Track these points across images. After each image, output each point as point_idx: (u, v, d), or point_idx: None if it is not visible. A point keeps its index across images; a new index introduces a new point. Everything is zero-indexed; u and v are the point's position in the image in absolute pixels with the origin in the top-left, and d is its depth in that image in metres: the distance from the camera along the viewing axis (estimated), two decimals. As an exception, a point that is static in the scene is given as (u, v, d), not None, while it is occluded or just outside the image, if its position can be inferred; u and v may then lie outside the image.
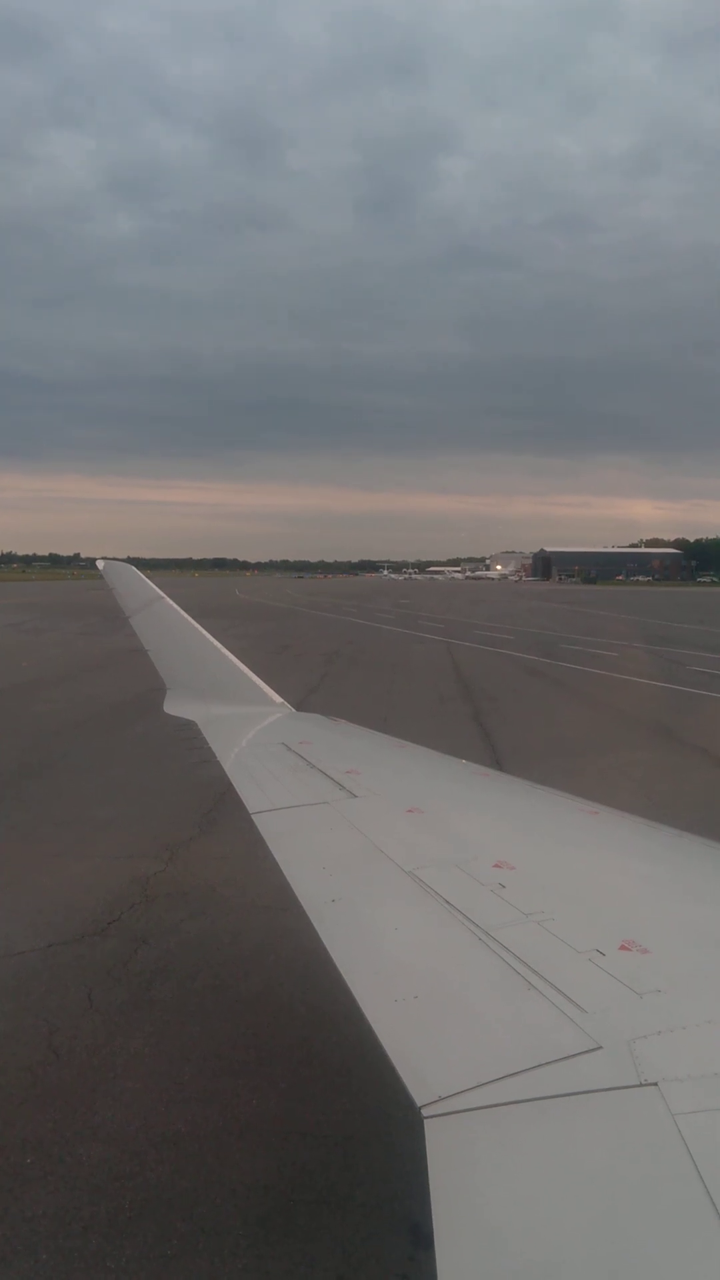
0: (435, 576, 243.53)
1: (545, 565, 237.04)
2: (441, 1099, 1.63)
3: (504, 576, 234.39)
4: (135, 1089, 4.74)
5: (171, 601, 7.05)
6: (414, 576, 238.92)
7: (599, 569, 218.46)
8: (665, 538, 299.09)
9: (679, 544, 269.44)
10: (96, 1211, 3.83)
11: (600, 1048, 1.73)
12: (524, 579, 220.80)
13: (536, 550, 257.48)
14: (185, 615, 6.85)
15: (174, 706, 6.09)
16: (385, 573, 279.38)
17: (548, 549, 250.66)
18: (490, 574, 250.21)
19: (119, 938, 6.67)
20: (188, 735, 5.51)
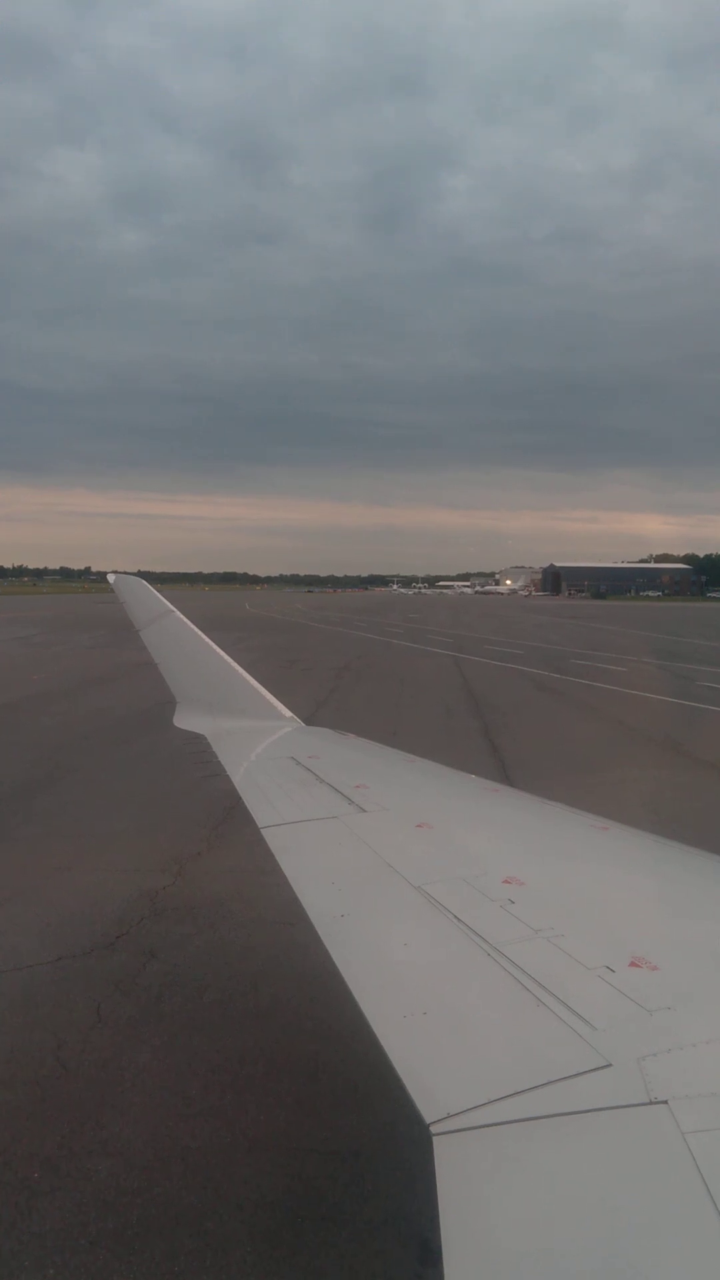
0: (445, 591, 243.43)
1: (555, 580, 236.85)
2: (450, 1116, 1.63)
3: (513, 591, 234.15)
4: (143, 1103, 4.73)
5: (181, 615, 7.07)
6: (424, 591, 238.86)
7: (608, 584, 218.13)
8: (674, 553, 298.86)
9: (688, 559, 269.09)
10: (104, 1226, 3.82)
11: (610, 1065, 1.72)
12: (533, 594, 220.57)
13: (546, 565, 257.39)
14: (195, 629, 6.87)
15: (183, 720, 6.10)
16: (395, 587, 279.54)
17: (557, 564, 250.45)
18: (500, 589, 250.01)
19: (128, 951, 6.67)
20: (197, 749, 5.52)
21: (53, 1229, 3.81)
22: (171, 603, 7.32)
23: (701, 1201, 1.36)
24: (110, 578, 8.24)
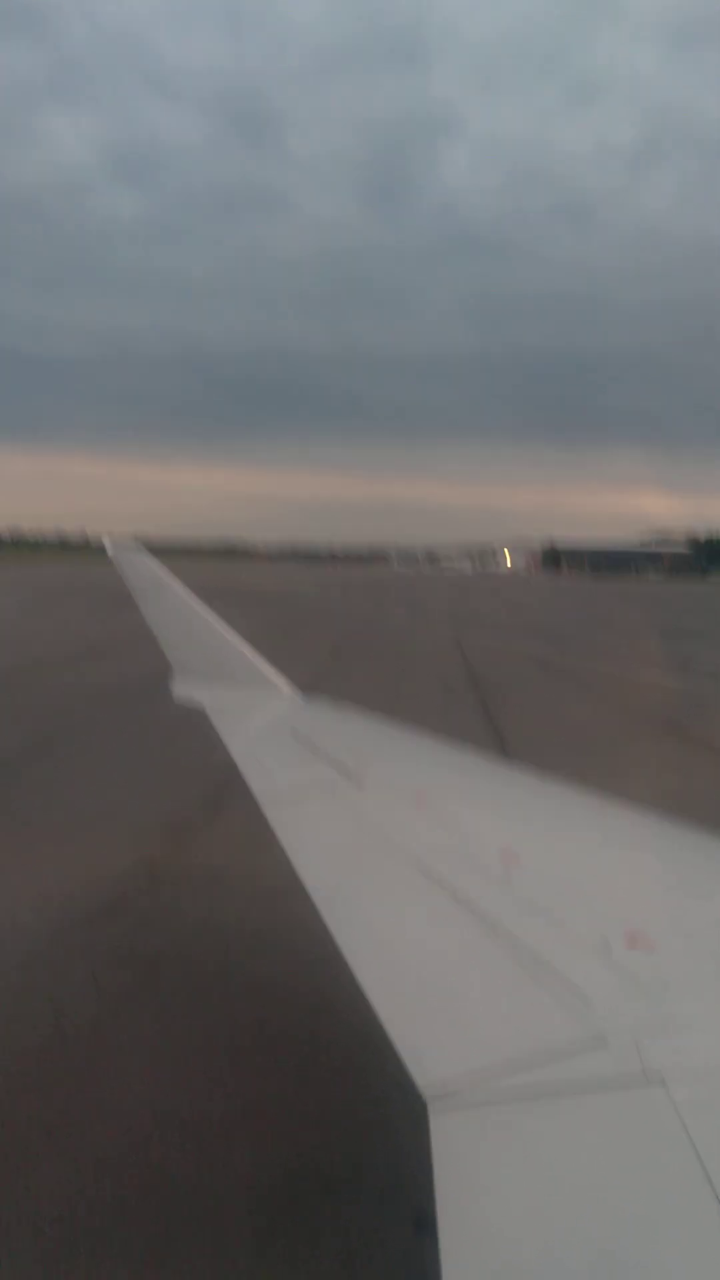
0: (444, 568, 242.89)
1: (554, 558, 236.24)
2: (447, 1089, 1.63)
3: (513, 569, 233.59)
4: (140, 1071, 4.77)
5: (180, 584, 7.03)
6: (423, 567, 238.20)
7: (609, 563, 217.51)
8: (675, 532, 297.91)
9: (689, 539, 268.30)
10: (101, 1191, 3.86)
11: (606, 1042, 1.73)
12: (533, 572, 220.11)
13: (546, 543, 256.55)
14: (193, 599, 6.83)
15: (182, 691, 6.08)
16: (394, 560, 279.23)
17: (557, 542, 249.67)
18: (499, 566, 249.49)
19: (125, 921, 6.69)
20: (194, 720, 5.52)
21: (50, 1193, 3.85)
22: (170, 573, 7.28)
23: (697, 1178, 1.36)
24: (108, 546, 8.19)
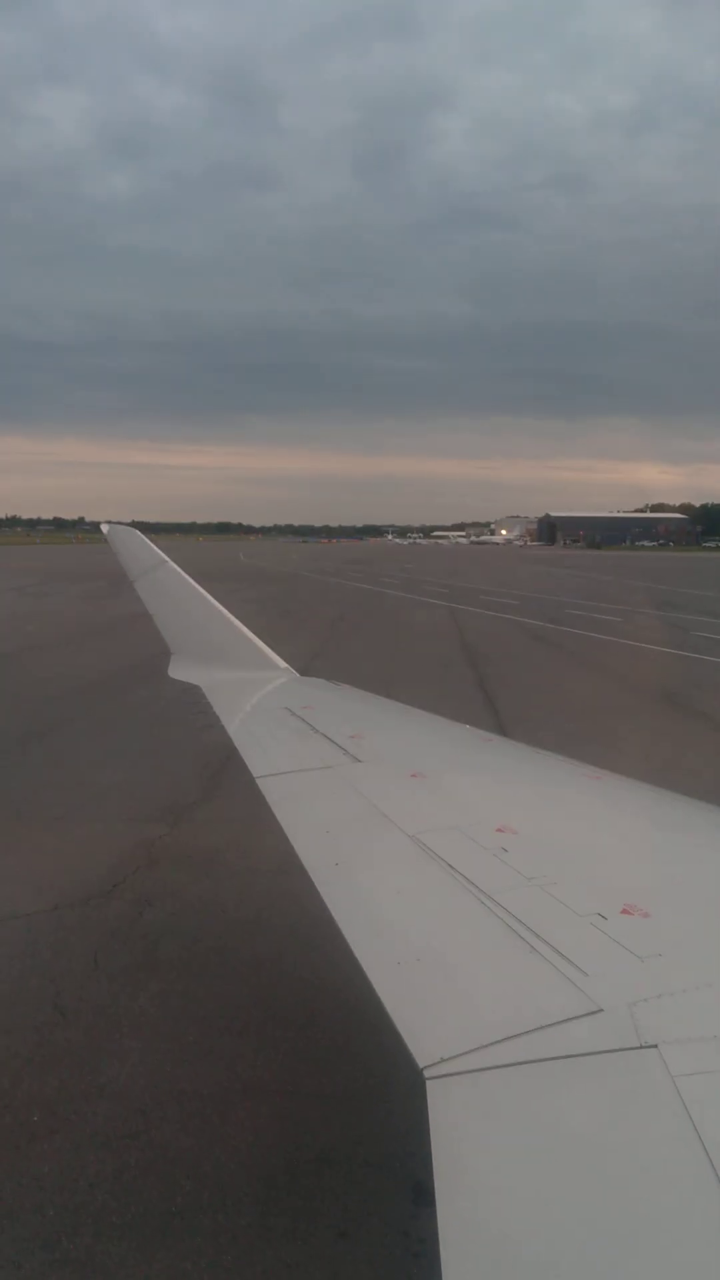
0: (440, 541, 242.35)
1: (550, 530, 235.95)
2: (444, 1060, 1.64)
3: (509, 542, 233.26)
4: (140, 1049, 4.79)
5: (176, 566, 7.02)
6: (419, 541, 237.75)
7: (605, 534, 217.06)
8: (671, 502, 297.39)
9: (685, 509, 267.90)
10: (103, 1168, 3.88)
11: (601, 1010, 1.74)
12: (529, 544, 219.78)
13: (541, 515, 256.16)
14: (189, 580, 6.82)
15: (178, 671, 6.09)
16: (390, 537, 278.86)
17: (553, 514, 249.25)
18: (495, 539, 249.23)
19: (124, 900, 6.72)
20: (192, 700, 5.52)
21: (52, 1170, 3.88)
22: (166, 553, 7.27)
23: (691, 1144, 1.37)
24: (104, 528, 8.17)
